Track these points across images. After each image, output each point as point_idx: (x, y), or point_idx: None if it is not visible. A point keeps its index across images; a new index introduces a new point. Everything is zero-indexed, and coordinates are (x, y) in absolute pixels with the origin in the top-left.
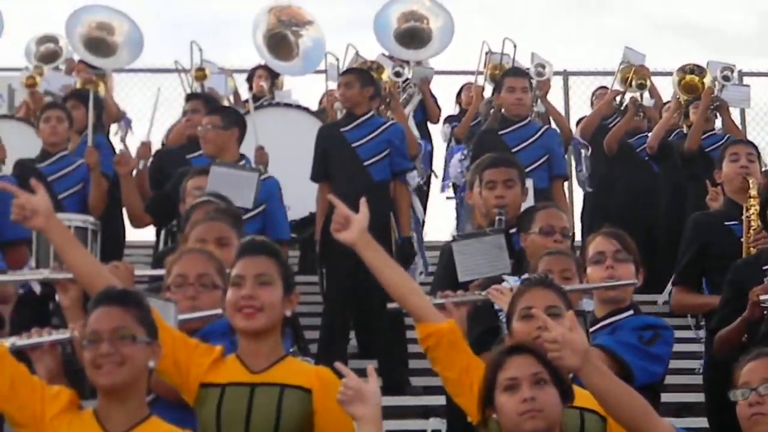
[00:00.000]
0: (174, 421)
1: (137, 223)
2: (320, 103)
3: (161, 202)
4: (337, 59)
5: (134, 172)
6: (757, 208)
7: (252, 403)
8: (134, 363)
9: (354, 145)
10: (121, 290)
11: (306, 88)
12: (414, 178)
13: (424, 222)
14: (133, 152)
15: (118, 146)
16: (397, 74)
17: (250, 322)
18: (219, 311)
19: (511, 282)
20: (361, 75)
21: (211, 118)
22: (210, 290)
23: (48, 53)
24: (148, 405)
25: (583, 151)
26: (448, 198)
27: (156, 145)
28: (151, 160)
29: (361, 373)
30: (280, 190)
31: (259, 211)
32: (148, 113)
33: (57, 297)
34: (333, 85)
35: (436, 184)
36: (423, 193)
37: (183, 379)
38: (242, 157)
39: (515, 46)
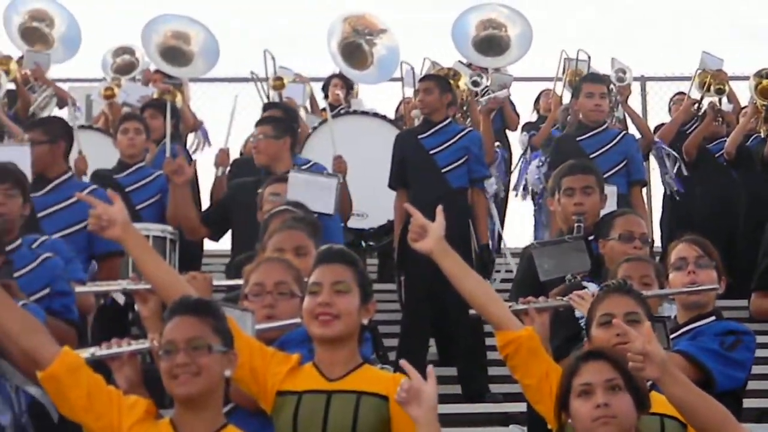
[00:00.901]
0: (252, 430)
1: (192, 234)
2: (397, 110)
3: (217, 213)
4: (412, 67)
5: (215, 180)
6: None
7: (328, 410)
8: (210, 373)
9: (432, 152)
10: (196, 300)
11: (382, 96)
12: (491, 185)
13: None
14: (212, 161)
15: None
16: (475, 83)
17: (327, 330)
18: (297, 320)
19: (592, 288)
20: (439, 81)
21: (263, 128)
22: (288, 299)
23: (124, 64)
24: (225, 414)
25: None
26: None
27: (234, 154)
28: (228, 169)
29: (440, 380)
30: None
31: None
32: (225, 121)
33: (136, 307)
34: (410, 93)
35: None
36: (501, 201)
37: (260, 387)
38: (306, 162)
39: (589, 57)
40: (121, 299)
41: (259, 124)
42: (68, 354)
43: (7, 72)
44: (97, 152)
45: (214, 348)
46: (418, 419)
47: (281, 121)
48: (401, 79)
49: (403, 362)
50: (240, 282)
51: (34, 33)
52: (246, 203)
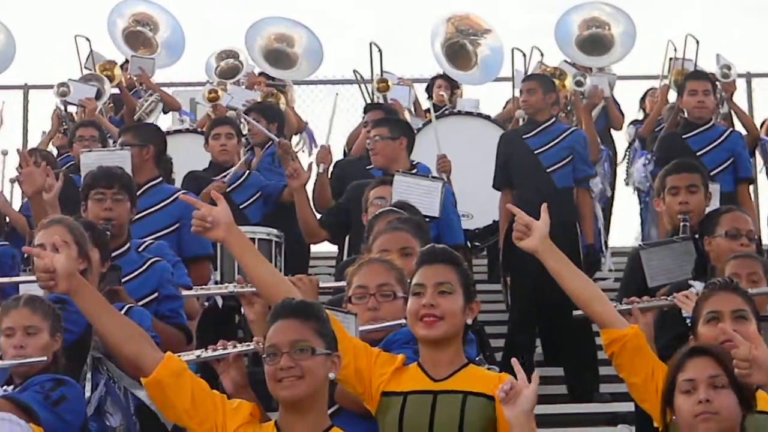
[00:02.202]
0: None
1: (312, 239)
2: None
3: (336, 216)
4: (525, 67)
5: (314, 177)
6: None
7: (434, 410)
8: (314, 376)
9: (536, 151)
10: (299, 303)
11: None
12: (597, 184)
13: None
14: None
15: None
16: (579, 84)
17: (431, 331)
18: (401, 321)
19: (698, 287)
20: (543, 81)
21: (379, 129)
22: (391, 300)
23: (228, 68)
24: (330, 416)
25: None
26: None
27: (337, 154)
28: (332, 170)
29: (546, 380)
30: (453, 195)
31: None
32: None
33: (243, 310)
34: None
35: (620, 190)
36: (606, 200)
37: (365, 388)
38: (414, 166)
39: (698, 42)
40: (220, 302)
41: (374, 125)
42: (171, 359)
43: (111, 77)
44: (203, 156)
45: (318, 351)
46: (512, 420)
47: (397, 122)
48: (512, 78)
49: (513, 361)
50: (346, 284)
51: (138, 37)
52: (361, 204)
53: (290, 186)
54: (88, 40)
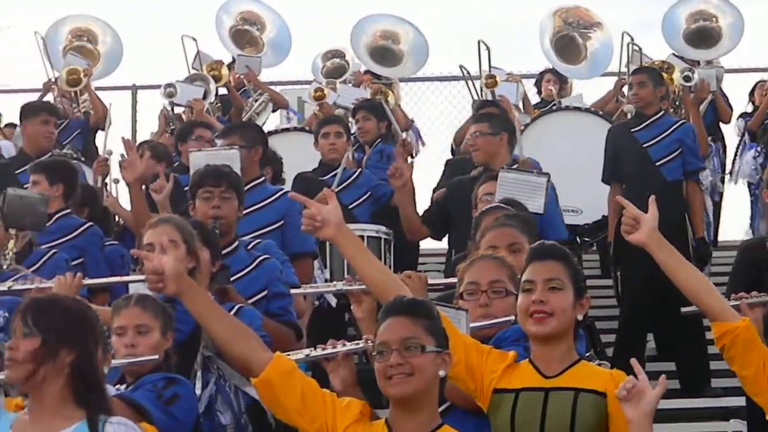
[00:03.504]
0: (469, 430)
1: (414, 236)
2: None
3: (437, 213)
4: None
5: None
6: None
7: (546, 407)
8: (424, 373)
9: (645, 145)
10: (409, 300)
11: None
12: (706, 177)
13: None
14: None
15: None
16: (687, 78)
17: (541, 327)
18: (511, 318)
19: None
20: (653, 74)
21: (479, 125)
22: (502, 297)
23: (334, 68)
24: (441, 414)
25: None
26: None
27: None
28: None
29: (658, 375)
30: (554, 190)
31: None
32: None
33: (352, 308)
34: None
35: (730, 184)
36: (717, 193)
37: (477, 385)
38: (514, 161)
39: None
40: (333, 301)
41: (475, 121)
42: (280, 359)
43: (218, 78)
44: (314, 154)
45: (428, 348)
46: (632, 421)
47: (498, 117)
48: (618, 73)
49: (633, 361)
50: (455, 280)
51: (244, 36)
52: (464, 201)
53: (392, 185)
54: (194, 40)
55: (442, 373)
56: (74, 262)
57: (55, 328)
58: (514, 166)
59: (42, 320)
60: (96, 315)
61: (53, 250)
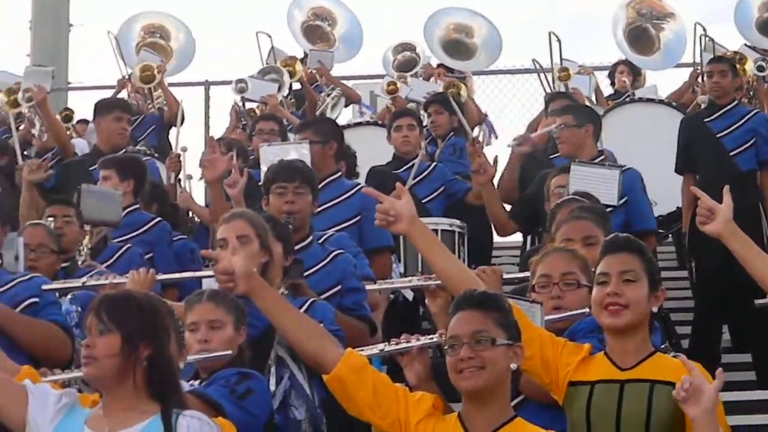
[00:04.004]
0: (543, 423)
1: (503, 232)
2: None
3: (525, 207)
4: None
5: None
6: None
7: (622, 399)
8: (495, 366)
9: (719, 135)
10: (480, 294)
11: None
12: None
13: None
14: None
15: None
16: (760, 68)
17: (616, 320)
18: (585, 310)
19: None
20: (731, 64)
21: (564, 117)
22: (575, 289)
23: (405, 61)
24: (515, 407)
25: None
26: None
27: None
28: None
29: (734, 367)
30: (642, 180)
31: (622, 204)
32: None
33: (426, 302)
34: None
35: None
36: None
37: (552, 378)
38: (601, 153)
39: None
40: (409, 295)
41: (560, 113)
42: (351, 355)
43: (293, 73)
44: (387, 148)
45: (498, 341)
46: (695, 419)
47: (582, 109)
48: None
49: (681, 357)
50: (529, 274)
51: (316, 31)
52: None
53: (476, 181)
54: (269, 36)
55: (513, 365)
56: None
57: (131, 324)
58: (601, 158)
59: (117, 317)
60: (170, 309)
61: (127, 245)
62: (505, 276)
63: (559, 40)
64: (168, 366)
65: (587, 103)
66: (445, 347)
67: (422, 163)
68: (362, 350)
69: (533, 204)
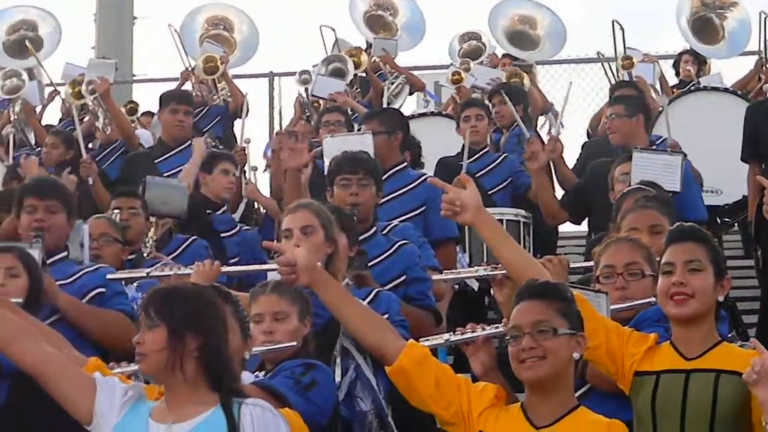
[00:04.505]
0: (609, 412)
1: (553, 220)
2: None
3: (576, 196)
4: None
5: None
6: None
7: (687, 389)
8: (557, 356)
9: None
10: (542, 283)
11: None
12: None
13: None
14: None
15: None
16: None
17: (682, 309)
18: (650, 300)
19: None
20: None
21: (615, 107)
22: (639, 279)
23: (471, 50)
24: (580, 396)
25: None
26: None
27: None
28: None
29: None
30: (693, 170)
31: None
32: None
33: (492, 292)
34: None
35: None
36: None
37: (618, 368)
38: (659, 138)
39: None
40: (475, 285)
41: (611, 103)
42: (413, 347)
43: (358, 64)
44: (450, 138)
45: (560, 330)
46: (765, 402)
47: (633, 98)
48: (756, 52)
49: (753, 340)
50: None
51: (378, 21)
52: (603, 184)
53: (528, 168)
54: (333, 30)
55: (576, 355)
56: None
57: (177, 316)
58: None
59: (164, 310)
60: (234, 300)
61: (193, 237)
62: (572, 265)
63: (622, 29)
64: (220, 356)
65: (652, 92)
66: (507, 337)
67: (490, 153)
68: (427, 340)
69: (583, 193)
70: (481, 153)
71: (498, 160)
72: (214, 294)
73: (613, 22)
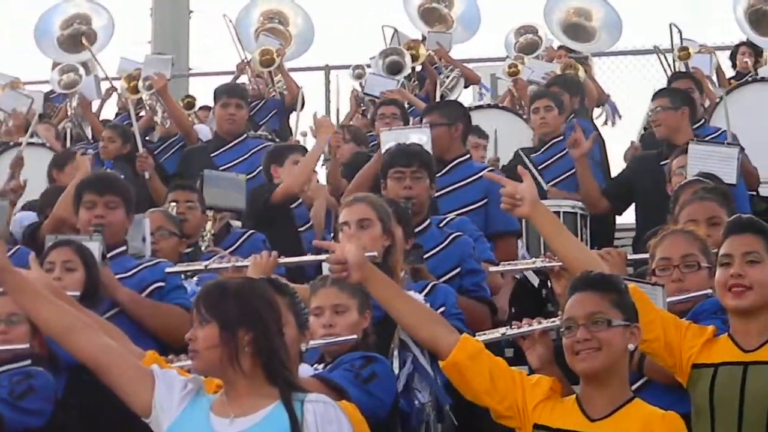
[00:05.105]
0: (667, 405)
1: (594, 208)
2: None
3: (618, 186)
4: None
5: None
6: None
7: (745, 382)
8: (611, 347)
9: None
10: (595, 275)
11: None
12: None
13: None
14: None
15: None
16: None
17: (740, 301)
18: (707, 292)
19: None
20: None
21: (660, 100)
22: (695, 271)
23: (527, 44)
24: (637, 389)
25: None
26: None
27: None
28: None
29: None
30: (747, 165)
31: None
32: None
33: (550, 284)
34: None
35: None
36: None
37: (675, 361)
38: (717, 130)
39: None
40: (535, 280)
41: (655, 96)
42: (467, 341)
43: (416, 57)
44: (508, 130)
45: (615, 322)
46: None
47: (678, 91)
48: None
49: None
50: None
51: (433, 13)
52: (649, 176)
53: (571, 155)
54: (394, 29)
55: (631, 346)
56: None
57: (226, 312)
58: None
59: (213, 306)
60: (292, 293)
61: (250, 231)
62: (630, 257)
63: (680, 31)
64: (274, 350)
65: (708, 83)
66: (562, 329)
67: (560, 143)
68: (484, 334)
69: (626, 183)
70: (551, 143)
71: (564, 152)
72: (266, 287)
73: (670, 25)
